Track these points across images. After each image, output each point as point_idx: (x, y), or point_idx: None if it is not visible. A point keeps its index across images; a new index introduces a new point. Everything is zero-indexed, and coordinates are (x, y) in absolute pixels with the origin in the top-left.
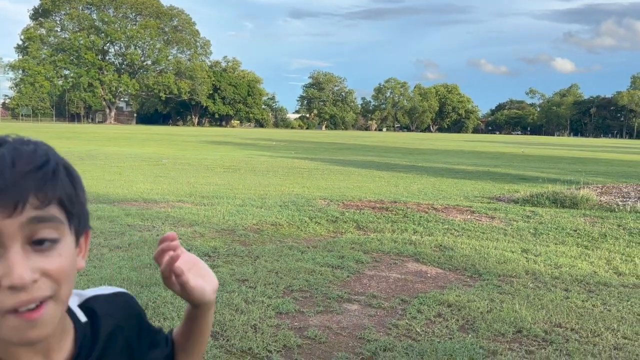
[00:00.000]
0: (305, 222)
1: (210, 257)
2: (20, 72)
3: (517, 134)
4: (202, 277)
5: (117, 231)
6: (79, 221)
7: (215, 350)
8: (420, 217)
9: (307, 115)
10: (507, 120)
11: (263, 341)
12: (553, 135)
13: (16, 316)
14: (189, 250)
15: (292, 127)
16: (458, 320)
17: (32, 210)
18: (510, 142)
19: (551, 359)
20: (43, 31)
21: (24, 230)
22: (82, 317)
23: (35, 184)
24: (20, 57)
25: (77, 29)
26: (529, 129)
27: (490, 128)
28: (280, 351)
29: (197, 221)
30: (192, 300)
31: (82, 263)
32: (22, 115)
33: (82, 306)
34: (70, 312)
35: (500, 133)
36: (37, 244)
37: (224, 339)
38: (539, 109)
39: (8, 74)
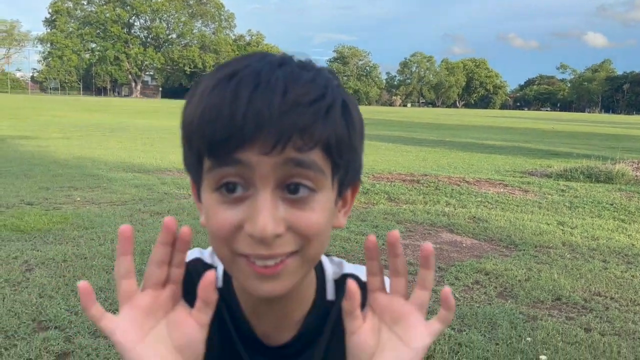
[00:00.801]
0: None
1: None
2: (49, 45)
3: (546, 110)
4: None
5: (155, 198)
6: (346, 171)
7: None
8: (452, 189)
9: None
10: (536, 96)
11: None
12: (584, 111)
13: (248, 264)
14: None
15: None
16: (496, 288)
17: (293, 152)
18: (539, 118)
19: (592, 325)
20: (70, 4)
21: (278, 172)
22: (330, 294)
23: (303, 121)
24: (48, 30)
25: (103, 2)
26: (558, 105)
27: (518, 104)
28: None
29: None
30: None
31: (342, 220)
32: (50, 88)
33: (338, 281)
34: (320, 282)
35: (528, 109)
36: (290, 192)
37: None
38: (569, 85)
39: (37, 47)
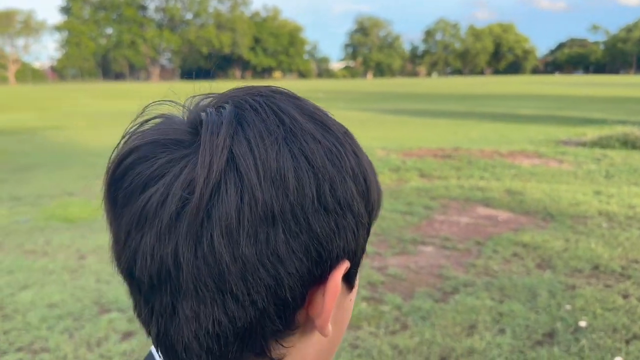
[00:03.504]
0: None
1: None
2: (66, 33)
3: (579, 74)
4: None
5: None
6: None
7: None
8: (486, 163)
9: (352, 63)
10: (568, 59)
11: None
12: (617, 73)
13: None
14: None
15: (336, 77)
16: (534, 259)
17: None
18: (572, 83)
19: (630, 291)
20: None
21: None
22: None
23: None
24: (64, 18)
25: None
26: (591, 68)
27: (549, 69)
28: (366, 287)
29: None
30: None
31: None
32: (70, 76)
33: None
34: None
35: (560, 73)
36: None
37: None
38: (602, 47)
39: (54, 35)
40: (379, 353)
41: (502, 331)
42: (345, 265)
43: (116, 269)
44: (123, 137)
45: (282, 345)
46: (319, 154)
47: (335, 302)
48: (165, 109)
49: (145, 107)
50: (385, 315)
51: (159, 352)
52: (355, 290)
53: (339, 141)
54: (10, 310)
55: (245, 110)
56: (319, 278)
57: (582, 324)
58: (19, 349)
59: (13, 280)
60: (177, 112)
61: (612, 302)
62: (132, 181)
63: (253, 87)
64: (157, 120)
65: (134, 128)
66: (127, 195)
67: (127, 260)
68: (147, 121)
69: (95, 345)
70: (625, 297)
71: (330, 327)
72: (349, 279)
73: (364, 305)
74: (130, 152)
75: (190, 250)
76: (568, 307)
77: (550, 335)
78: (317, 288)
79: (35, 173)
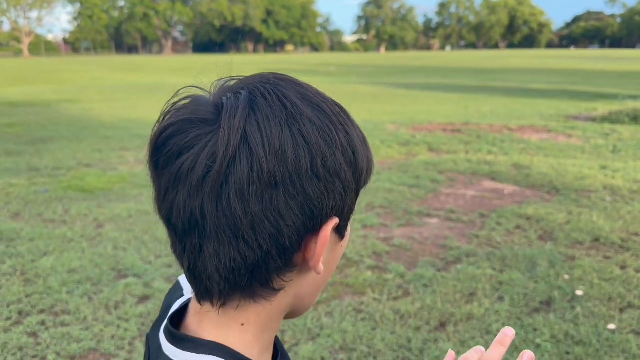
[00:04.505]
0: (377, 145)
1: None
2: (78, 5)
3: (595, 48)
4: None
5: None
6: None
7: None
8: (494, 137)
9: (365, 36)
10: (584, 33)
11: (355, 248)
12: (634, 47)
13: None
14: None
15: (349, 51)
16: (537, 231)
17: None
18: (587, 57)
19: (628, 262)
20: None
21: None
22: None
23: None
24: None
25: None
26: (607, 42)
27: (564, 42)
28: (371, 256)
29: None
30: None
31: None
32: (83, 49)
33: None
34: None
35: (576, 47)
36: None
37: None
38: (619, 20)
39: (67, 8)
40: (382, 317)
41: (500, 299)
42: (334, 221)
43: (158, 216)
44: (161, 115)
45: (282, 280)
46: (314, 134)
47: (326, 248)
48: (193, 91)
49: (177, 91)
50: (389, 283)
51: (189, 281)
52: (346, 239)
53: (332, 121)
54: (32, 275)
55: (257, 97)
56: (312, 230)
57: (579, 292)
58: (42, 311)
59: (34, 247)
60: (202, 92)
61: (609, 272)
62: (170, 149)
63: (264, 75)
64: (187, 101)
65: (169, 108)
66: (166, 160)
67: (165, 210)
68: (179, 101)
69: (113, 308)
70: (623, 268)
71: (321, 266)
72: (340, 231)
73: (369, 273)
74: (168, 127)
75: (212, 205)
76: (566, 276)
77: (548, 303)
78: (311, 237)
79: (52, 145)
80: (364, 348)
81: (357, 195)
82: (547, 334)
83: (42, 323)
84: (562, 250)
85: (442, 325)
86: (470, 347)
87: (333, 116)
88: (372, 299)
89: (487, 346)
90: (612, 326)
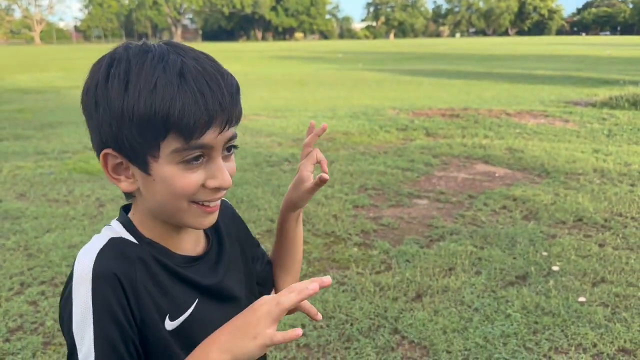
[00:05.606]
0: (376, 130)
1: (290, 162)
2: None
3: (606, 34)
4: None
5: None
6: None
7: (303, 232)
8: (492, 122)
9: (374, 23)
10: (595, 19)
11: (344, 227)
12: None
13: (199, 207)
14: (270, 157)
15: (358, 38)
16: (522, 211)
17: (233, 129)
18: (596, 43)
19: (607, 241)
20: None
21: (225, 144)
22: None
23: (238, 107)
24: None
25: None
26: (619, 28)
27: (575, 29)
28: (359, 234)
29: (274, 132)
30: (305, 200)
31: None
32: (93, 37)
33: None
34: None
35: (586, 34)
36: (227, 152)
37: (310, 225)
38: (631, 6)
39: None
40: (362, 289)
41: (478, 273)
42: (107, 150)
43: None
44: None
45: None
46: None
47: (108, 171)
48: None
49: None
50: (373, 259)
51: None
52: (161, 177)
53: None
54: (34, 250)
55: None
56: (100, 150)
57: (555, 268)
58: (42, 283)
59: (37, 224)
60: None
61: (587, 249)
62: None
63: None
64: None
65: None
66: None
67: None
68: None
69: None
70: (601, 245)
71: (122, 186)
72: (140, 166)
73: (355, 249)
74: None
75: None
76: (545, 253)
77: (523, 277)
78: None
79: (60, 130)
80: (342, 316)
81: (141, 132)
82: (518, 305)
83: (42, 293)
84: (544, 229)
85: (419, 296)
86: (443, 317)
87: (157, 73)
88: (356, 272)
89: (459, 317)
90: (582, 299)
